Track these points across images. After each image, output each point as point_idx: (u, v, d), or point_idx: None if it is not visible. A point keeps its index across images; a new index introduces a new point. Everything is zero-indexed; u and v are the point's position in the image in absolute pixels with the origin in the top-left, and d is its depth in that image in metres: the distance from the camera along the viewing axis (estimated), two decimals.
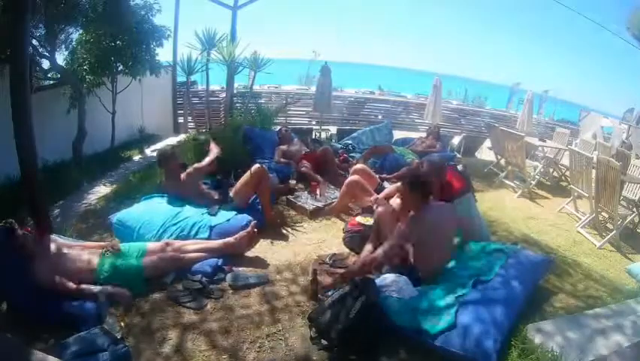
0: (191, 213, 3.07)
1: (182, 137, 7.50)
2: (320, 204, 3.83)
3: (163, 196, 3.29)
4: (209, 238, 2.86)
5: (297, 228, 3.46)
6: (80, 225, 3.30)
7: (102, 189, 4.30)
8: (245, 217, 3.10)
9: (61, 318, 2.07)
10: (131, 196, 3.63)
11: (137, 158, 5.97)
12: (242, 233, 2.81)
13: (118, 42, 5.35)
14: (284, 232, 3.36)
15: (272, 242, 3.15)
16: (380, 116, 9.85)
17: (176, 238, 2.81)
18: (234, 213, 3.18)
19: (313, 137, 6.75)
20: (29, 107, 2.65)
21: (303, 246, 3.13)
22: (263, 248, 3.06)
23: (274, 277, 2.66)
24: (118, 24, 5.21)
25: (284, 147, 5.06)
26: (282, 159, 4.91)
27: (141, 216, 2.98)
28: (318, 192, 3.99)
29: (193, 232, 2.88)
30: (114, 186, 4.40)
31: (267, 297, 2.44)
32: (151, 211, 3.05)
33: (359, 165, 4.07)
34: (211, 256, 2.69)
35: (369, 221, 3.18)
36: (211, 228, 2.95)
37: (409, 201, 2.62)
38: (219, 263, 2.65)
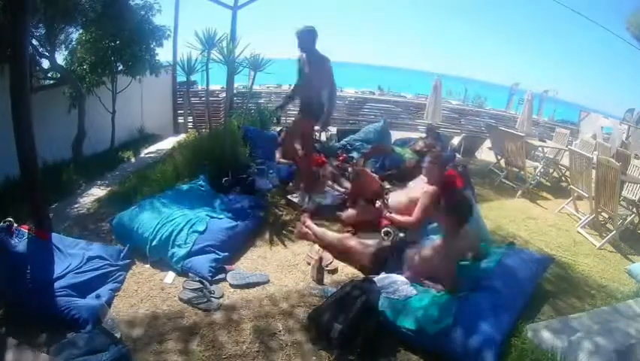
0: (186, 212, 3.08)
1: (182, 137, 7.50)
2: (322, 202, 3.81)
3: (159, 198, 3.29)
4: (204, 232, 2.86)
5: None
6: (73, 229, 3.21)
7: (98, 192, 4.23)
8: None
9: (61, 318, 2.07)
10: (126, 199, 3.61)
11: (134, 159, 5.96)
12: None
13: (118, 42, 5.35)
14: (284, 231, 3.36)
15: (272, 242, 3.15)
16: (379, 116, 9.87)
17: (172, 233, 2.81)
18: (230, 215, 3.21)
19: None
20: (29, 107, 2.65)
21: (302, 246, 3.13)
22: (263, 248, 3.06)
23: (274, 276, 2.66)
24: (118, 24, 5.21)
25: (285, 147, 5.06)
26: (282, 160, 4.90)
27: (138, 216, 2.99)
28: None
29: (188, 226, 2.88)
30: (110, 188, 4.32)
31: (267, 297, 2.44)
32: (148, 211, 3.06)
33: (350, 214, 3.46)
34: (214, 252, 2.73)
35: None
36: (207, 222, 2.96)
37: (445, 225, 2.48)
38: (219, 263, 2.66)
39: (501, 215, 4.23)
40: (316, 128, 4.42)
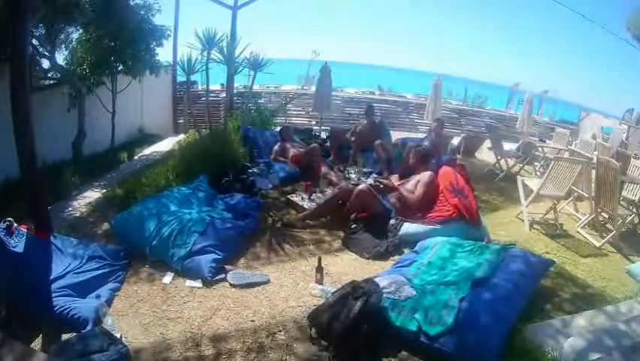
0: (186, 212, 3.09)
1: (181, 137, 7.50)
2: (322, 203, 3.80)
3: (160, 199, 3.29)
4: (205, 231, 2.87)
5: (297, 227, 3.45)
6: (70, 230, 3.16)
7: (96, 194, 4.20)
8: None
9: (60, 318, 2.07)
10: (124, 201, 3.59)
11: (133, 160, 5.94)
12: None
13: (118, 42, 5.35)
14: (284, 231, 3.36)
15: (272, 242, 3.15)
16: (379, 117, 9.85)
17: (173, 231, 2.82)
18: (230, 215, 3.21)
19: (314, 134, 6.76)
20: (29, 107, 2.65)
21: (302, 246, 3.13)
22: (264, 248, 3.06)
23: (274, 276, 2.67)
24: (118, 24, 5.21)
25: (283, 145, 5.08)
26: (279, 157, 4.92)
27: (139, 217, 2.99)
28: (313, 190, 3.99)
29: (188, 226, 2.88)
30: (108, 190, 4.27)
31: (267, 297, 2.45)
32: (148, 211, 3.06)
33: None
34: (214, 252, 2.73)
35: None
36: (207, 222, 2.97)
37: None
38: (219, 263, 2.66)
39: (501, 215, 4.23)
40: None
